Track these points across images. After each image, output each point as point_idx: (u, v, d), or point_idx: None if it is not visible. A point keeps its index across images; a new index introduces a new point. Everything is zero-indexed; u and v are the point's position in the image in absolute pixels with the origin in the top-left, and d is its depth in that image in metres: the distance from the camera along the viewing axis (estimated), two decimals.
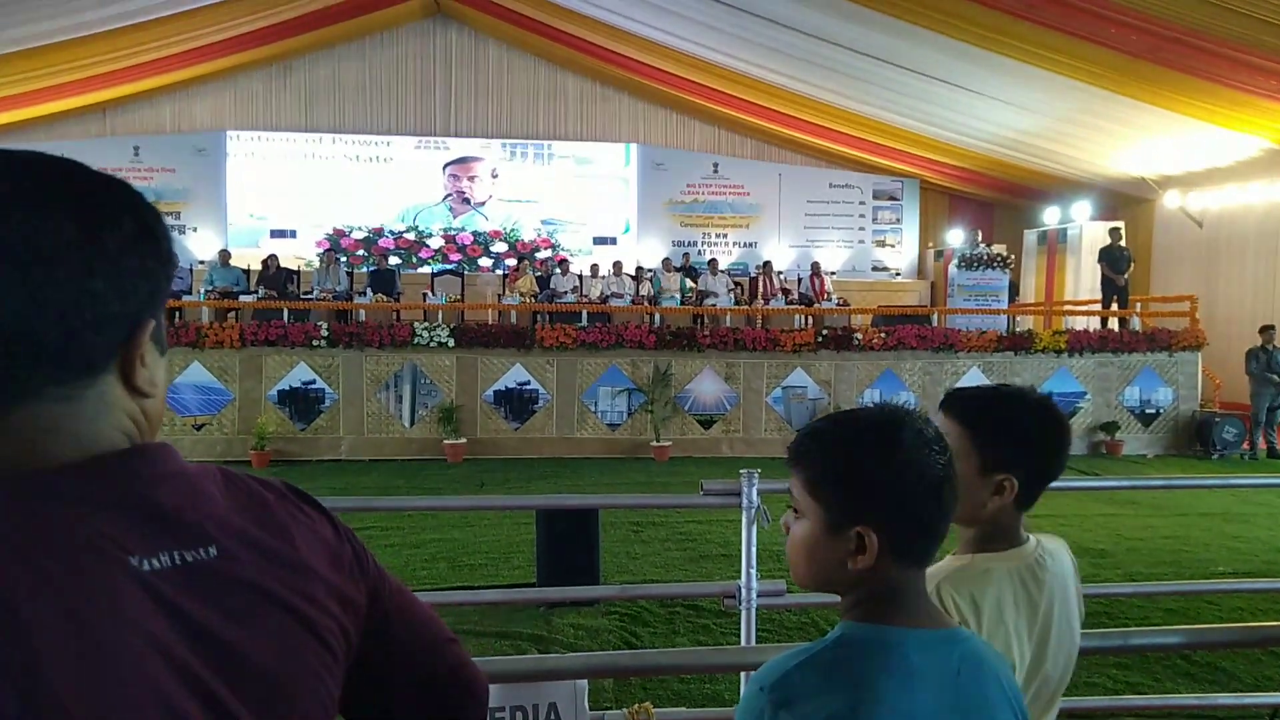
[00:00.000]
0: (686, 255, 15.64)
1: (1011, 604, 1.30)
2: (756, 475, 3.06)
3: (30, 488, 0.64)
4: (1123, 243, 12.54)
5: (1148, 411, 11.41)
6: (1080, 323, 12.49)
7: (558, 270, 13.62)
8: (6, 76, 12.57)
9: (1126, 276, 12.29)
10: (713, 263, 13.95)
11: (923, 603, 1.04)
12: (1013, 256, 13.96)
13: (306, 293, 12.37)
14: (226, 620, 0.67)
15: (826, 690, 0.95)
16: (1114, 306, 12.28)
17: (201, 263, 14.45)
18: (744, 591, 3.17)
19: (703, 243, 17.05)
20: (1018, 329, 11.66)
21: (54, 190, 0.67)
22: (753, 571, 3.16)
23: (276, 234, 16.01)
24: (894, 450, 1.00)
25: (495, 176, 16.76)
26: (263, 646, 0.69)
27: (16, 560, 0.60)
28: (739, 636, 3.33)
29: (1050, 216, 15.54)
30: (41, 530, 0.62)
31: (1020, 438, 1.35)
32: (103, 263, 0.67)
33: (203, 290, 12.01)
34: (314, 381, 10.38)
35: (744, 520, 3.11)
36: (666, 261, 14.30)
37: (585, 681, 1.75)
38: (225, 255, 12.83)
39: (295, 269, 13.33)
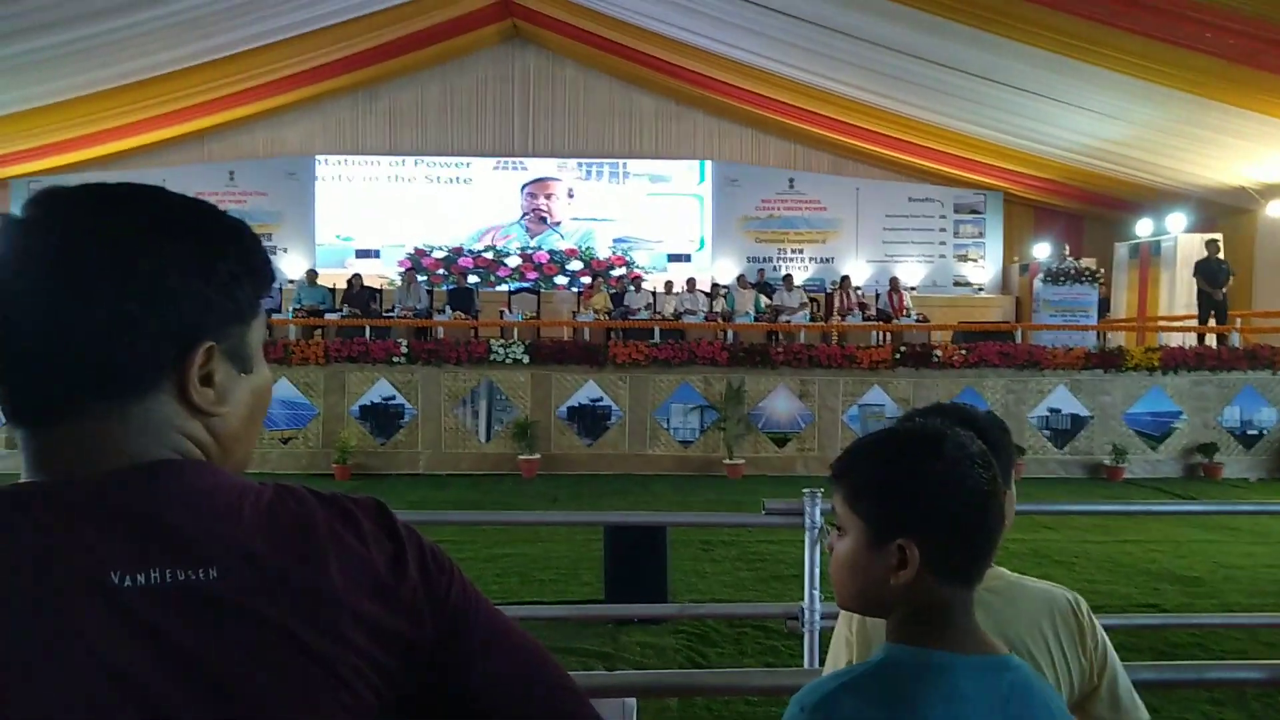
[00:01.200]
0: (761, 271, 15.55)
1: None
2: (820, 494, 3.01)
3: (26, 501, 0.66)
4: (1220, 255, 11.97)
5: (1249, 433, 10.83)
6: (1175, 339, 11.95)
7: (631, 287, 13.69)
8: (117, 108, 13.36)
9: (1225, 290, 11.72)
10: (788, 278, 13.83)
11: (971, 626, 1.01)
12: (1102, 270, 13.45)
13: (388, 310, 12.73)
14: (213, 645, 0.65)
15: (869, 713, 0.93)
16: (1211, 322, 11.71)
17: (291, 282, 15.02)
18: (806, 613, 3.12)
19: (778, 259, 16.92)
20: (1108, 346, 11.22)
21: (99, 219, 0.70)
22: (815, 592, 3.11)
23: (361, 254, 16.53)
24: (933, 462, 0.99)
25: (571, 196, 16.99)
26: (255, 677, 0.66)
27: None
28: (804, 658, 3.28)
29: (1143, 228, 14.94)
30: (14, 542, 0.63)
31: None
32: (139, 286, 0.68)
33: (291, 308, 12.47)
34: (394, 397, 10.65)
35: (807, 540, 3.07)
36: (741, 278, 14.24)
37: (634, 700, 1.74)
38: (313, 275, 13.31)
39: (378, 288, 13.73)
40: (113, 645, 0.62)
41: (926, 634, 0.98)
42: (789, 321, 12.50)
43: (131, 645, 0.63)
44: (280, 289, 13.90)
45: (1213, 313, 11.78)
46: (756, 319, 12.62)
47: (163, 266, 0.69)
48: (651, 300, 13.37)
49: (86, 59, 11.31)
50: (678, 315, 12.62)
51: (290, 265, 16.29)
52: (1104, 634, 1.34)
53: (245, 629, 0.67)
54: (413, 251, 16.46)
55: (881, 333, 11.84)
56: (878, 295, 14.24)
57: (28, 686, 0.60)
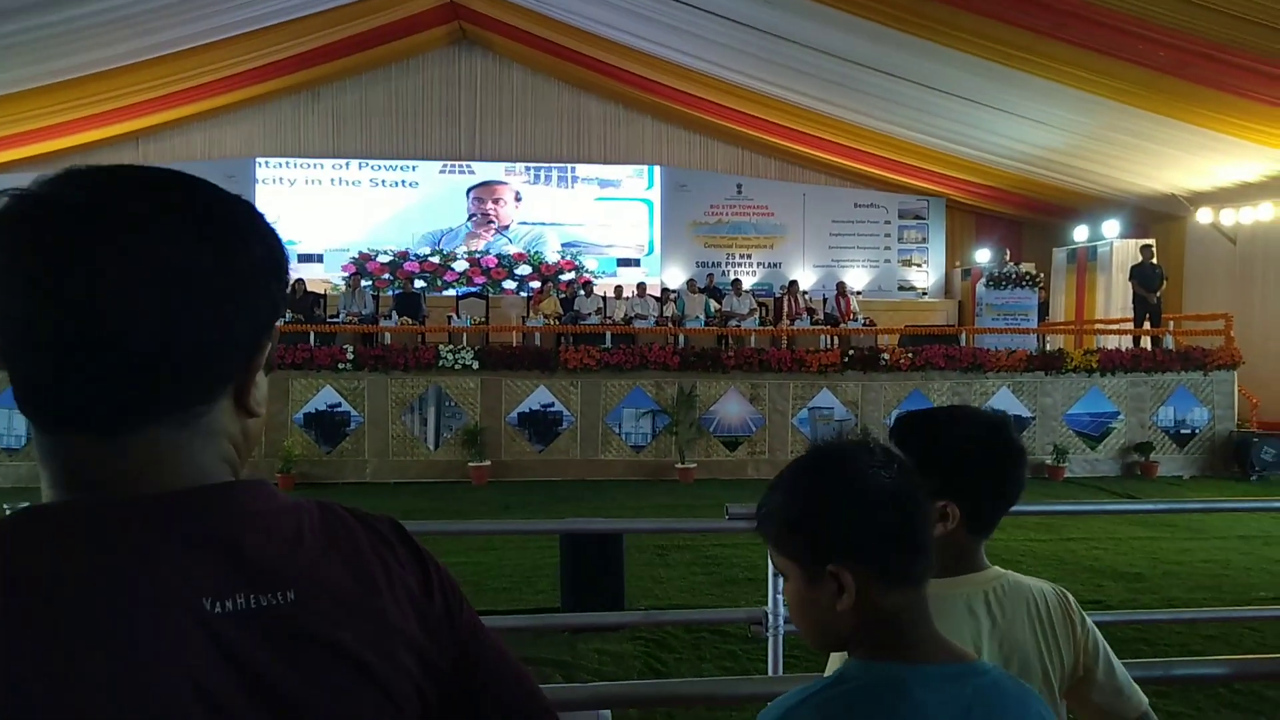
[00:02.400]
0: (711, 276, 15.62)
1: (955, 628, 1.25)
2: None
3: (117, 520, 0.63)
4: (1154, 260, 12.37)
5: (1183, 432, 11.19)
6: (1112, 342, 12.31)
7: (581, 292, 13.64)
8: (43, 108, 12.87)
9: (1159, 294, 12.11)
10: (736, 283, 13.91)
11: (928, 632, 1.00)
12: (1042, 275, 13.81)
13: (333, 316, 12.48)
14: (289, 670, 0.65)
15: None
16: (1146, 325, 12.09)
17: None
18: (771, 618, 3.11)
19: (727, 263, 17.02)
20: (1048, 348, 11.50)
21: (193, 212, 0.67)
22: (779, 597, 3.10)
23: (304, 258, 16.18)
24: (836, 484, 0.99)
25: (519, 200, 16.87)
26: (323, 698, 0.66)
27: (87, 603, 0.59)
28: (766, 663, 3.27)
29: (1080, 234, 15.37)
30: (116, 565, 0.61)
31: (957, 461, 1.31)
32: (235, 286, 0.67)
33: None
34: (339, 404, 10.43)
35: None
36: (690, 283, 14.28)
37: (608, 712, 1.70)
38: None
39: (322, 293, 13.45)
40: (207, 672, 0.61)
41: (883, 647, 0.98)
42: (739, 326, 12.57)
43: (223, 672, 0.62)
44: None
45: (1147, 316, 12.17)
46: (707, 324, 12.67)
47: (253, 265, 0.68)
48: (602, 305, 13.33)
49: (11, 56, 10.87)
50: (628, 320, 12.59)
51: None
52: (1092, 624, 1.37)
53: (320, 654, 0.67)
54: (357, 256, 16.18)
55: (830, 337, 11.98)
56: (825, 300, 14.41)
57: (128, 711, 0.58)
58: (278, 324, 0.75)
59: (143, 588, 0.61)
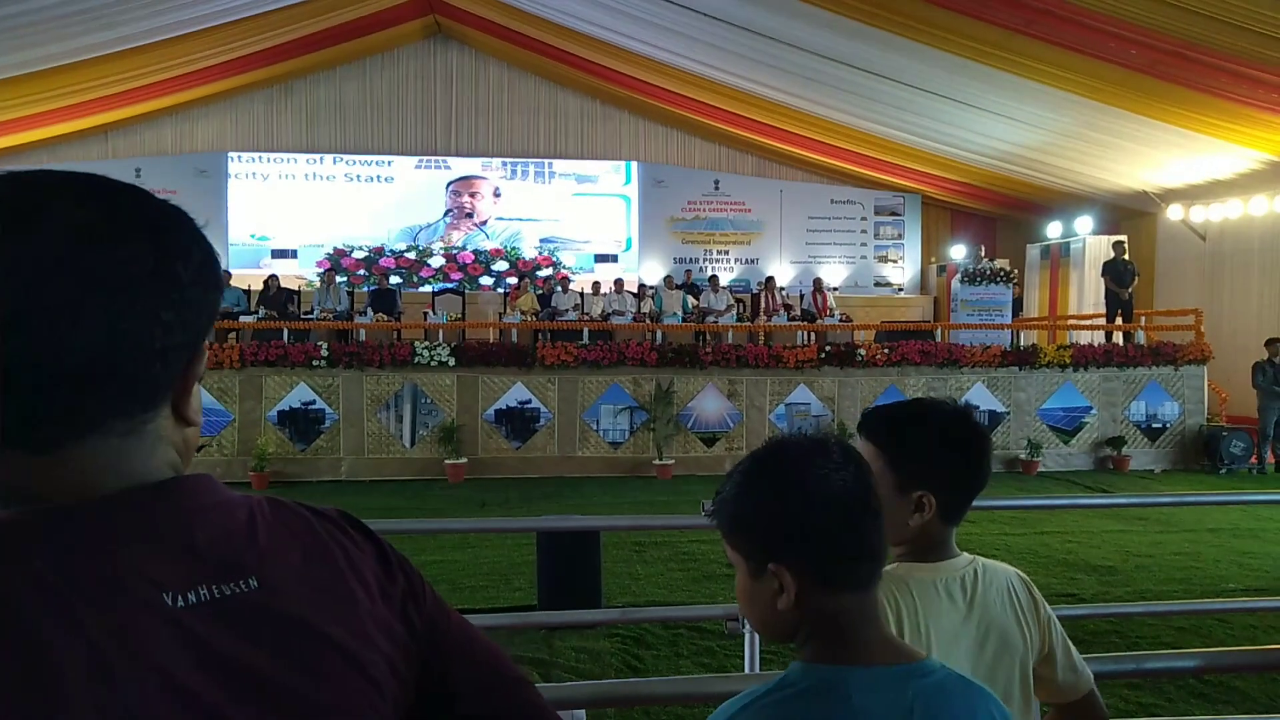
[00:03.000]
0: (688, 272, 15.63)
1: (936, 613, 1.29)
2: None
3: (67, 522, 0.62)
4: (1126, 256, 12.51)
5: (1154, 426, 11.33)
6: (1085, 337, 12.43)
7: (559, 288, 13.59)
8: (9, 100, 12.63)
9: (1131, 290, 12.25)
10: (714, 279, 13.91)
11: (873, 634, 0.99)
12: (1016, 271, 13.93)
13: (307, 313, 12.34)
14: (264, 654, 0.66)
15: None
16: (1118, 320, 12.22)
17: None
18: None
19: (704, 260, 17.03)
20: (1022, 344, 11.60)
21: (133, 219, 0.66)
22: None
23: (278, 254, 16.02)
24: (775, 480, 0.99)
25: (497, 195, 16.79)
26: (303, 681, 0.67)
27: (50, 601, 0.59)
28: (743, 659, 3.26)
29: (1053, 231, 15.52)
30: (75, 569, 0.61)
31: (929, 454, 1.34)
32: (175, 293, 0.66)
33: None
34: (314, 402, 10.33)
35: None
36: (668, 279, 14.27)
37: (583, 712, 1.68)
38: (226, 276, 12.75)
39: (296, 289, 13.31)
40: (176, 665, 0.61)
41: (826, 649, 0.97)
42: (716, 322, 12.58)
43: (191, 664, 0.62)
44: None
45: (1119, 311, 12.29)
46: (684, 320, 12.66)
47: (193, 273, 0.68)
48: (579, 301, 13.29)
49: None
50: (606, 316, 12.57)
51: None
52: (1047, 604, 1.43)
53: (291, 637, 0.68)
54: (332, 251, 16.03)
55: (806, 333, 12.01)
56: (802, 296, 14.45)
57: (99, 709, 0.57)
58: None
59: (99, 589, 0.60)
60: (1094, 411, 11.25)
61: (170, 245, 0.67)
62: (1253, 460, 10.82)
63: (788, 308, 13.60)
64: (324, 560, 0.73)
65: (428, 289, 15.13)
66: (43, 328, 0.61)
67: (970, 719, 0.97)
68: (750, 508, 0.99)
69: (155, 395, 0.67)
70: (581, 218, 16.84)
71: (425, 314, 12.54)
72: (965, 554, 1.38)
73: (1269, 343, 11.00)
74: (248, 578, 0.67)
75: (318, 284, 13.48)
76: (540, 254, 16.62)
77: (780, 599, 0.97)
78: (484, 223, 16.78)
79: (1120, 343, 11.78)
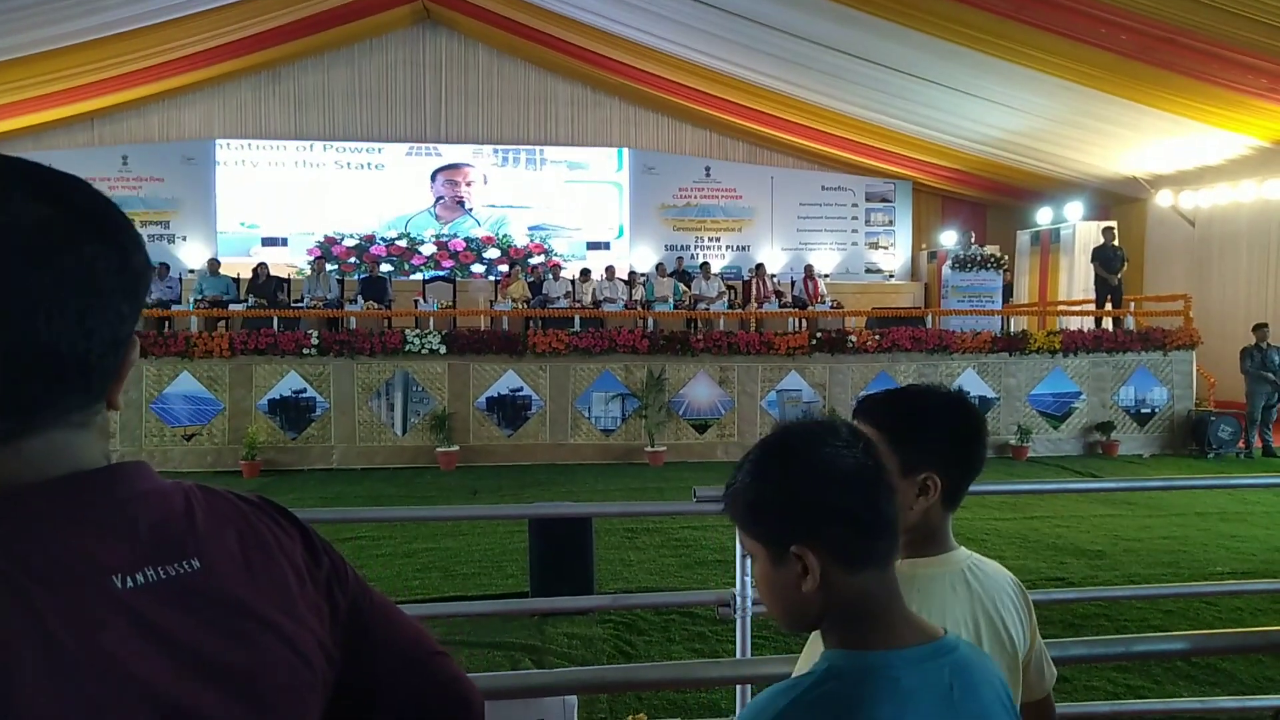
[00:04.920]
0: (680, 259, 15.60)
1: (940, 611, 1.28)
2: None
3: (12, 507, 0.63)
4: (1116, 242, 12.53)
5: (1143, 411, 11.39)
6: (1074, 323, 12.47)
7: (550, 275, 13.56)
8: None
9: (1120, 276, 12.27)
10: (705, 266, 13.90)
11: (901, 614, 1.00)
12: (1006, 257, 13.95)
13: (297, 301, 12.29)
14: (208, 633, 0.67)
15: None
16: (1108, 306, 12.26)
17: (191, 272, 14.37)
18: (739, 599, 3.11)
19: (695, 246, 17.01)
20: (1012, 330, 11.63)
21: (90, 214, 0.67)
22: (747, 579, 3.10)
23: (268, 242, 15.93)
24: (789, 463, 0.99)
25: (486, 183, 16.71)
26: (244, 659, 0.68)
27: (4, 587, 0.59)
28: (734, 644, 3.27)
29: (1043, 217, 15.54)
30: (23, 552, 0.61)
31: (934, 434, 1.34)
32: (131, 286, 0.68)
33: (192, 299, 11.91)
34: (305, 390, 10.30)
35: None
36: (659, 266, 14.25)
37: (575, 698, 1.69)
38: (215, 264, 12.75)
39: (286, 277, 13.24)
40: (125, 649, 0.62)
41: (860, 634, 0.98)
42: (708, 309, 12.57)
43: (139, 646, 0.63)
44: (180, 279, 13.29)
45: (1109, 297, 12.32)
46: (675, 307, 12.65)
47: (142, 264, 0.70)
48: (570, 289, 13.27)
49: None
50: (597, 303, 12.55)
51: (190, 254, 15.61)
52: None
53: (231, 616, 0.69)
54: (322, 239, 15.94)
55: (798, 319, 12.02)
56: (793, 282, 14.46)
57: (51, 693, 0.59)
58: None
59: (51, 574, 0.61)
60: (1083, 397, 11.30)
61: (125, 239, 0.69)
62: (1240, 445, 10.88)
63: (779, 294, 13.60)
64: (257, 544, 0.75)
65: (418, 277, 15.07)
66: (20, 323, 0.62)
67: (992, 689, 1.00)
68: (767, 492, 1.00)
69: (106, 385, 0.69)
70: (573, 205, 16.79)
71: (416, 302, 12.51)
72: (962, 548, 1.38)
73: (1256, 328, 11.06)
74: (190, 559, 0.69)
75: (308, 272, 13.42)
76: (532, 241, 16.57)
77: (805, 582, 0.97)
78: (473, 210, 16.71)
79: (1110, 328, 11.82)
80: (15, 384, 0.63)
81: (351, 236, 16.11)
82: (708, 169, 17.17)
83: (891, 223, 17.69)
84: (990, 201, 17.98)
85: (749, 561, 3.03)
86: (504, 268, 15.50)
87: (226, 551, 0.72)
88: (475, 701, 0.89)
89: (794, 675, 1.26)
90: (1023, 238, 16.15)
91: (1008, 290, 14.09)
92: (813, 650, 1.28)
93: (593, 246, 16.72)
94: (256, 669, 0.69)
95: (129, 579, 0.64)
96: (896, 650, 0.96)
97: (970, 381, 11.11)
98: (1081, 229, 14.44)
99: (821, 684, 0.95)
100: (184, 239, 15.85)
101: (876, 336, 11.10)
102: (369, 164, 16.42)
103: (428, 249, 16.25)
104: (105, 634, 0.61)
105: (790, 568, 0.98)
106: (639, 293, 13.20)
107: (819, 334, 11.12)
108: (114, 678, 0.61)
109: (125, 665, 0.61)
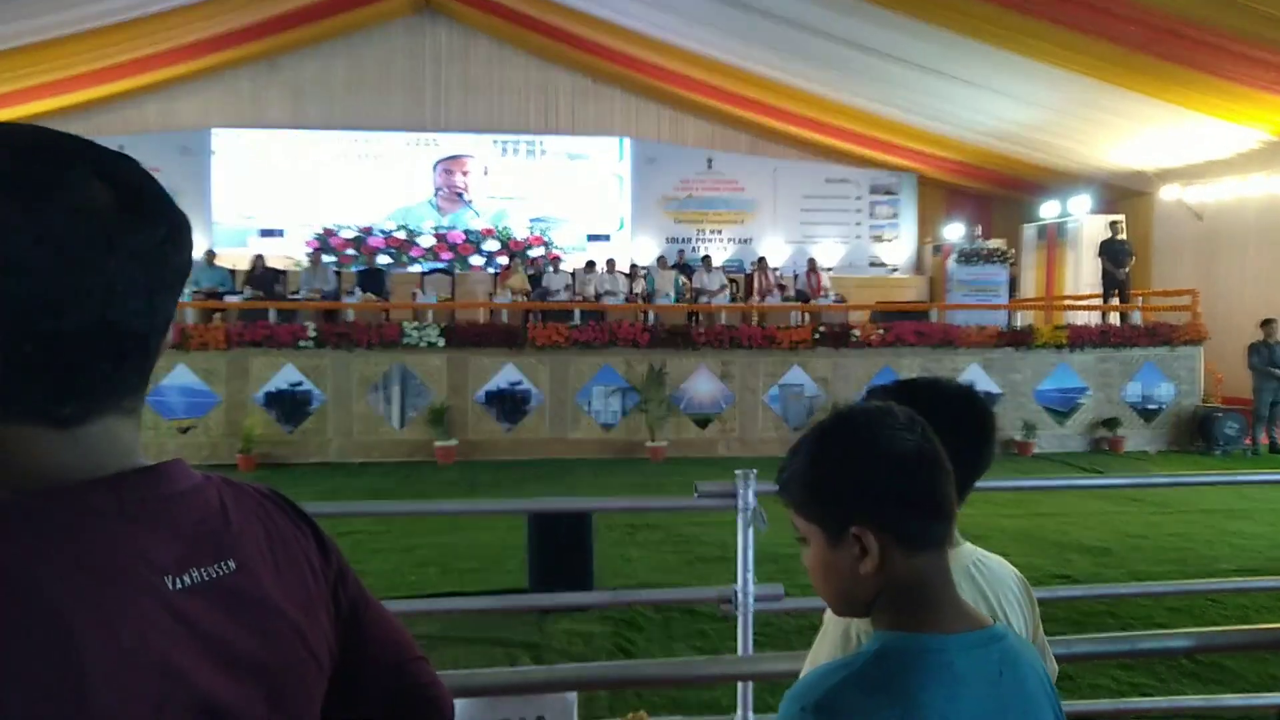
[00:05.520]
0: (681, 252, 15.51)
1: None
2: (753, 476, 2.93)
3: (73, 503, 0.64)
4: (1123, 236, 12.44)
5: (1149, 407, 11.31)
6: (1081, 317, 12.38)
7: (550, 268, 13.47)
8: None
9: (1127, 270, 12.19)
10: (707, 259, 13.81)
11: (954, 599, 1.03)
12: (1012, 251, 13.86)
13: (294, 293, 12.22)
14: (242, 632, 0.69)
15: (874, 707, 0.93)
16: (1114, 301, 12.17)
17: None
18: (740, 596, 3.03)
19: (697, 239, 16.92)
20: (1018, 324, 11.56)
21: (151, 196, 0.69)
22: (749, 575, 3.02)
23: (265, 233, 15.85)
24: (855, 444, 1.01)
25: (486, 173, 16.62)
26: (269, 656, 0.71)
27: (68, 580, 0.61)
28: (736, 641, 3.20)
29: (1049, 210, 15.45)
30: (87, 550, 0.63)
31: (942, 428, 1.28)
32: (183, 270, 0.71)
33: (188, 291, 11.82)
34: (301, 383, 10.22)
35: (740, 523, 2.97)
36: (661, 259, 14.16)
37: (575, 694, 1.62)
38: (211, 255, 12.68)
39: (283, 269, 13.16)
40: (176, 649, 0.64)
41: (914, 616, 0.99)
42: (709, 302, 12.49)
43: (191, 648, 0.65)
44: None
45: (1115, 291, 12.23)
46: (677, 300, 12.57)
47: (191, 247, 0.72)
48: (571, 281, 13.18)
49: None
50: (598, 296, 12.46)
51: None
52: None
53: (261, 614, 0.71)
54: (320, 231, 15.85)
55: (800, 313, 11.94)
56: (796, 276, 14.37)
57: (116, 689, 0.60)
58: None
59: (109, 574, 0.63)
60: (1089, 392, 11.22)
61: (184, 222, 0.71)
62: (1247, 441, 10.82)
63: (781, 288, 13.52)
64: (281, 542, 0.77)
65: (417, 269, 14.99)
66: (96, 304, 0.63)
67: (1038, 679, 1.03)
68: (828, 474, 1.01)
69: (152, 371, 0.71)
70: (573, 196, 16.69)
71: (414, 294, 12.45)
72: (966, 543, 1.37)
73: (1264, 323, 10.97)
74: (227, 559, 0.71)
75: (305, 264, 13.33)
76: (531, 233, 16.48)
77: (864, 563, 0.99)
78: (472, 201, 16.62)
79: (1116, 323, 11.73)
80: (86, 365, 0.64)
81: (349, 228, 16.02)
82: (710, 160, 17.07)
83: (896, 216, 17.58)
84: (996, 195, 17.87)
85: (750, 557, 2.95)
86: (503, 260, 15.42)
87: (257, 550, 0.74)
88: (446, 704, 0.91)
89: (805, 667, 1.24)
90: (1028, 231, 16.05)
91: (1013, 284, 14.01)
92: (822, 645, 1.30)
93: (593, 239, 16.62)
94: (277, 663, 0.71)
95: (178, 580, 0.66)
96: (950, 634, 0.98)
97: (975, 377, 11.02)
98: (1088, 223, 14.34)
99: (875, 663, 0.96)
100: None
101: (880, 331, 11.01)
102: (367, 154, 16.33)
103: (426, 241, 16.16)
104: (159, 635, 0.63)
105: (848, 549, 1.00)
106: (640, 286, 13.11)
107: (822, 328, 11.04)
108: (168, 677, 0.63)
109: (178, 665, 0.63)
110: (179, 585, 0.66)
